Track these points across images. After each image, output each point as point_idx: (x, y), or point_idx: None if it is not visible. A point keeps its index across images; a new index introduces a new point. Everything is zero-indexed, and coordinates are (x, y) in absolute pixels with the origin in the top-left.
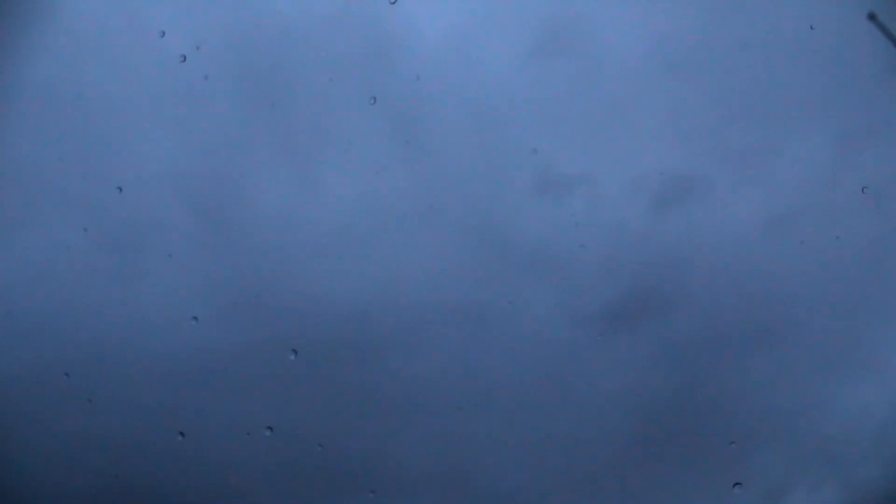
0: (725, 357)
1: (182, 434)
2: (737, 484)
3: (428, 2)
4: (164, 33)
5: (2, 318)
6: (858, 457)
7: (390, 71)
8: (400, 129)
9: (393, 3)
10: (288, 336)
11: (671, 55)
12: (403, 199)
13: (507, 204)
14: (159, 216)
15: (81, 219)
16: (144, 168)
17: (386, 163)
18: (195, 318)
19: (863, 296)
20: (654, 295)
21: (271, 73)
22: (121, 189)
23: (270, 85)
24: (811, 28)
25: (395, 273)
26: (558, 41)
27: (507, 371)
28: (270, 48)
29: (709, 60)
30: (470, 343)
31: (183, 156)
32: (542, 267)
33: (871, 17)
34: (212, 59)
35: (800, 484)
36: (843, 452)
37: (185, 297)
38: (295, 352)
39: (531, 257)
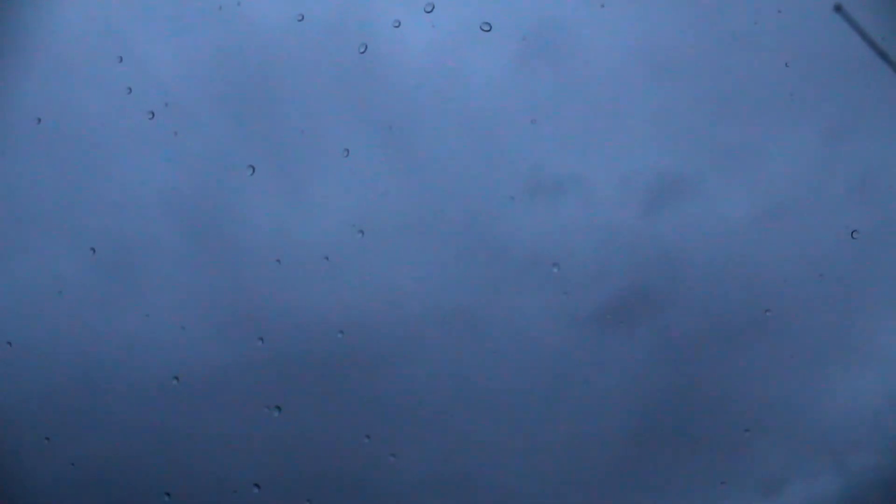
0: (720, 352)
1: (168, 494)
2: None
3: (413, 17)
4: (125, 59)
5: None
6: (855, 446)
7: (378, 85)
8: (389, 140)
9: (363, 53)
10: (282, 351)
11: (657, 56)
12: (394, 209)
13: (499, 208)
14: (149, 236)
15: (71, 242)
16: (134, 188)
17: (375, 174)
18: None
19: (857, 285)
20: (648, 294)
21: (260, 88)
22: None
23: (259, 100)
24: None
25: (387, 284)
26: (543, 46)
27: (505, 375)
28: (259, 64)
29: (695, 60)
30: (466, 349)
31: (173, 175)
32: (536, 270)
33: (838, 8)
34: (198, 80)
35: (797, 475)
36: (840, 442)
37: (178, 317)
38: (279, 408)
39: (524, 261)
